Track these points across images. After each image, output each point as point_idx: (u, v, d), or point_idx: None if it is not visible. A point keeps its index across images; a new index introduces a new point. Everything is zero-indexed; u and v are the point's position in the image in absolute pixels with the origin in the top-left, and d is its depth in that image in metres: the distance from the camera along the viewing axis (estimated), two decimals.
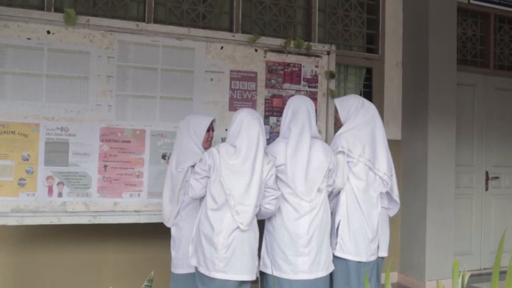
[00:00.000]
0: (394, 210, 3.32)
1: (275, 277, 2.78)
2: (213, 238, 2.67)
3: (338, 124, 3.23)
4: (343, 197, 3.04)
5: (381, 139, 3.16)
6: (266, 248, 2.89)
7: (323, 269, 2.84)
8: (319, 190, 2.83)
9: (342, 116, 3.18)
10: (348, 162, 3.03)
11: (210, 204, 2.72)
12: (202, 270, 2.70)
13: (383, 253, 3.17)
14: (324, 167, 2.84)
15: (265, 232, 2.91)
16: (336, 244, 3.01)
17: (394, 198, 3.26)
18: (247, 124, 2.77)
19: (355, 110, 3.14)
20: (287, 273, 2.77)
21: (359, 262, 3.02)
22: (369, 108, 3.18)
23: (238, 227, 2.67)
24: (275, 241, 2.82)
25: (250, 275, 2.72)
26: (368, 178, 3.07)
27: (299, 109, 2.90)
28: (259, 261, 2.84)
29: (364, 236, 3.01)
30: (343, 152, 3.02)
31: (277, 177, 2.83)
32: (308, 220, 2.78)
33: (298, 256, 2.76)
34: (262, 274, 2.88)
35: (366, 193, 3.05)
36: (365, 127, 3.10)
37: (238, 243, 2.68)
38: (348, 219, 3.02)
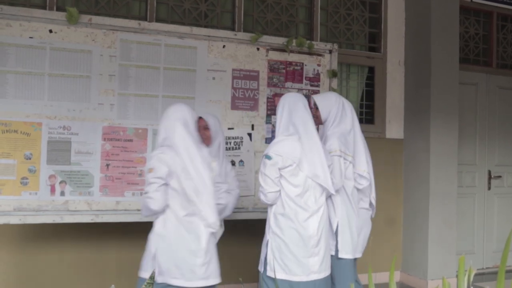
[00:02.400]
0: (372, 212, 3.39)
1: (286, 281, 2.71)
2: (191, 246, 2.61)
3: (317, 122, 3.17)
4: (338, 199, 3.04)
5: (359, 137, 3.23)
6: (272, 252, 2.76)
7: (328, 268, 2.86)
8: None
9: (322, 114, 3.18)
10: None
11: (179, 212, 2.62)
12: (178, 282, 2.59)
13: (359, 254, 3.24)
14: (328, 164, 2.83)
15: (271, 236, 2.79)
16: (335, 245, 3.02)
17: (371, 199, 3.32)
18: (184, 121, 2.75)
19: (337, 111, 3.15)
20: (299, 276, 2.72)
21: (355, 259, 3.13)
22: (349, 108, 3.21)
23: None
24: (285, 244, 2.73)
25: (220, 277, 2.73)
26: (353, 177, 3.15)
27: (296, 106, 2.85)
28: (265, 266, 2.77)
29: (356, 234, 3.11)
30: (339, 155, 3.02)
31: (280, 176, 2.77)
32: (317, 220, 2.76)
33: (310, 256, 2.74)
34: (268, 279, 2.78)
35: (354, 192, 3.12)
36: (349, 128, 3.17)
37: (212, 246, 2.69)
38: (347, 220, 3.05)
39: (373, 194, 3.32)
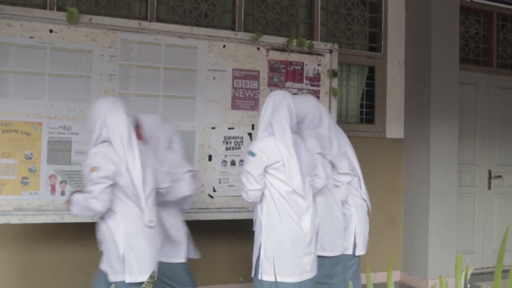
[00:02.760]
0: (368, 207, 3.52)
1: (282, 283, 2.64)
2: (157, 242, 2.66)
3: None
4: (319, 197, 3.06)
5: (340, 137, 3.35)
6: (266, 254, 2.66)
7: (316, 267, 2.85)
8: (310, 186, 2.81)
9: (298, 116, 3.11)
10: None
11: (136, 209, 2.60)
12: (137, 278, 2.55)
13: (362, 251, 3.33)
14: (310, 163, 2.83)
15: (263, 237, 2.69)
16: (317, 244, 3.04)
17: (362, 195, 3.44)
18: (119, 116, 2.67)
19: (314, 115, 3.17)
20: (294, 276, 2.67)
21: (357, 257, 3.26)
22: (326, 115, 3.25)
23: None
24: (280, 244, 2.66)
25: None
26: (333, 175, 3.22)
27: (279, 106, 2.80)
28: (257, 270, 2.68)
29: (341, 231, 3.20)
30: (320, 153, 3.05)
31: (268, 174, 2.70)
32: (308, 218, 2.73)
33: (304, 256, 2.70)
34: (263, 283, 2.68)
35: (334, 190, 3.19)
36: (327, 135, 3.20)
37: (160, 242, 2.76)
38: (328, 218, 3.11)
39: (364, 190, 3.39)
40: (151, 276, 1.23)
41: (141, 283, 2.49)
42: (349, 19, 5.10)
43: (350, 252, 3.29)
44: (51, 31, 3.48)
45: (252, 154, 2.70)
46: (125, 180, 2.55)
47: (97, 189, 2.49)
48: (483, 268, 5.47)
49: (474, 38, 5.65)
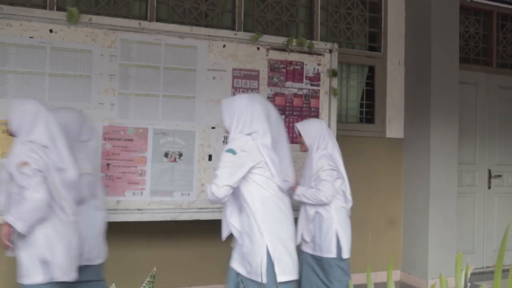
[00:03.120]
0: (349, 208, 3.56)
1: (290, 282, 2.59)
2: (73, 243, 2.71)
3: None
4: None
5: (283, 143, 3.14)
6: (274, 256, 2.53)
7: None
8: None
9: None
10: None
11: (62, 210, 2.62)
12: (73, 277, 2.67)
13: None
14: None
15: (267, 240, 2.54)
16: None
17: (347, 196, 3.50)
18: (44, 116, 2.65)
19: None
20: (294, 274, 2.61)
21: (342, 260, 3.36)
22: (273, 113, 2.97)
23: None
24: (283, 243, 2.57)
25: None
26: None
27: (259, 109, 2.71)
28: (269, 274, 2.51)
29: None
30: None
31: (254, 175, 2.60)
32: (292, 217, 2.69)
33: (296, 253, 2.68)
34: (276, 285, 2.54)
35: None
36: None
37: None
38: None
39: (349, 191, 3.46)
40: (151, 276, 1.21)
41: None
42: (349, 18, 5.10)
43: (334, 255, 3.29)
44: (51, 31, 3.48)
45: (232, 151, 2.57)
46: (51, 178, 2.56)
47: (32, 182, 2.51)
48: (483, 267, 5.47)
49: (474, 38, 5.65)
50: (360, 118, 5.17)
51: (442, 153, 4.88)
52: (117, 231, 4.03)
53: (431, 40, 4.89)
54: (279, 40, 4.10)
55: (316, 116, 4.15)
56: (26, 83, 3.42)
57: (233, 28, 4.51)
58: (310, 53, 4.19)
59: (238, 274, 2.68)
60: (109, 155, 3.58)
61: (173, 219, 3.73)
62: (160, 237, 4.11)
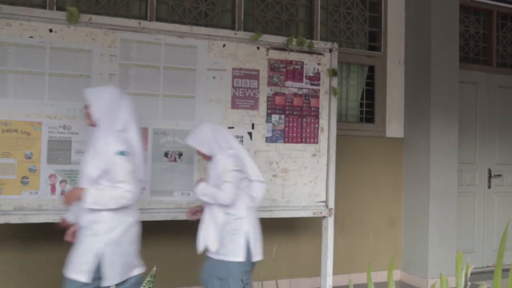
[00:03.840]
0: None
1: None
2: None
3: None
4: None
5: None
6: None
7: None
8: None
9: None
10: None
11: None
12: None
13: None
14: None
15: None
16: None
17: (253, 195, 3.41)
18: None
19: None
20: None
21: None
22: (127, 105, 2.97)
23: None
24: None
25: None
26: None
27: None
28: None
29: None
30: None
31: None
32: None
33: None
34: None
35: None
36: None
37: None
38: None
39: (258, 191, 3.33)
40: (151, 275, 1.21)
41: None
42: (349, 18, 5.10)
43: (240, 259, 3.08)
44: (50, 30, 3.48)
45: (124, 153, 2.69)
46: None
47: None
48: (483, 267, 5.47)
49: (474, 37, 5.65)
50: (360, 118, 5.17)
51: (442, 153, 4.88)
52: None
53: (431, 39, 4.89)
54: (279, 39, 4.10)
55: (316, 115, 4.15)
56: (26, 83, 3.41)
57: (233, 28, 4.51)
58: (310, 52, 4.18)
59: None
60: None
61: (173, 219, 3.72)
62: (160, 237, 4.11)
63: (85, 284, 2.59)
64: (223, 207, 3.14)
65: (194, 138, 3.26)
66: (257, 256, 3.15)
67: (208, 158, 3.26)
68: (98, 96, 2.77)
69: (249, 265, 3.13)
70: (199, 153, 3.30)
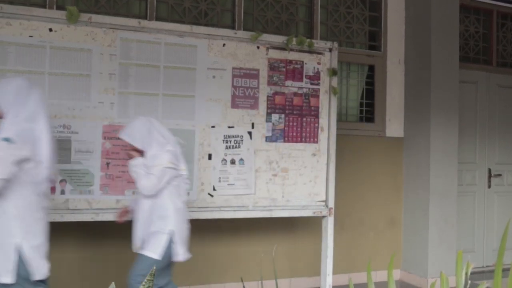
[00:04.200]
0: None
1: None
2: None
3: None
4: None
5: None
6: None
7: None
8: None
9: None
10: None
11: None
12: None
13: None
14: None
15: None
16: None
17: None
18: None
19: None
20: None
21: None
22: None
23: None
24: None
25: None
26: None
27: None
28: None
29: None
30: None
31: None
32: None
33: None
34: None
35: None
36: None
37: None
38: None
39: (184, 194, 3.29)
40: (151, 275, 1.21)
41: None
42: (348, 17, 5.10)
43: (157, 257, 3.01)
44: (50, 30, 3.48)
45: (9, 140, 2.42)
46: None
47: None
48: (483, 266, 5.47)
49: (474, 37, 5.65)
50: (360, 117, 5.17)
51: (442, 152, 4.88)
52: (117, 230, 4.03)
53: (431, 39, 4.89)
54: (279, 39, 4.10)
55: (316, 115, 4.15)
56: None
57: (233, 27, 4.51)
58: (310, 52, 4.18)
59: None
60: (108, 154, 3.58)
61: None
62: None
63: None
64: (153, 206, 3.08)
65: (128, 132, 3.13)
66: (178, 257, 3.08)
67: (139, 153, 3.11)
68: (3, 87, 2.60)
69: (165, 264, 3.06)
70: (131, 148, 3.13)
